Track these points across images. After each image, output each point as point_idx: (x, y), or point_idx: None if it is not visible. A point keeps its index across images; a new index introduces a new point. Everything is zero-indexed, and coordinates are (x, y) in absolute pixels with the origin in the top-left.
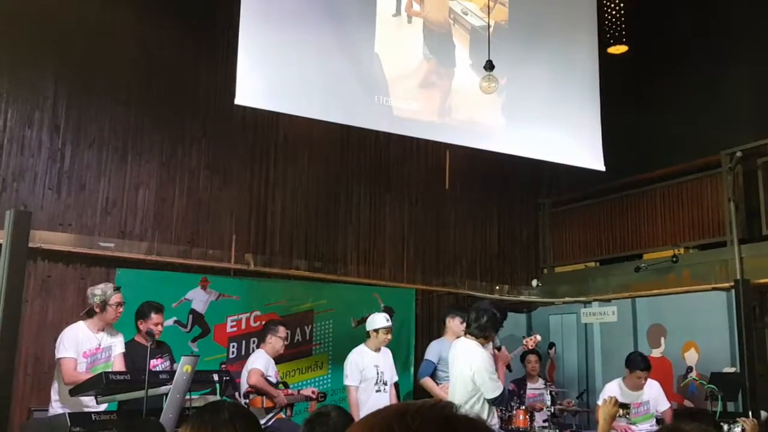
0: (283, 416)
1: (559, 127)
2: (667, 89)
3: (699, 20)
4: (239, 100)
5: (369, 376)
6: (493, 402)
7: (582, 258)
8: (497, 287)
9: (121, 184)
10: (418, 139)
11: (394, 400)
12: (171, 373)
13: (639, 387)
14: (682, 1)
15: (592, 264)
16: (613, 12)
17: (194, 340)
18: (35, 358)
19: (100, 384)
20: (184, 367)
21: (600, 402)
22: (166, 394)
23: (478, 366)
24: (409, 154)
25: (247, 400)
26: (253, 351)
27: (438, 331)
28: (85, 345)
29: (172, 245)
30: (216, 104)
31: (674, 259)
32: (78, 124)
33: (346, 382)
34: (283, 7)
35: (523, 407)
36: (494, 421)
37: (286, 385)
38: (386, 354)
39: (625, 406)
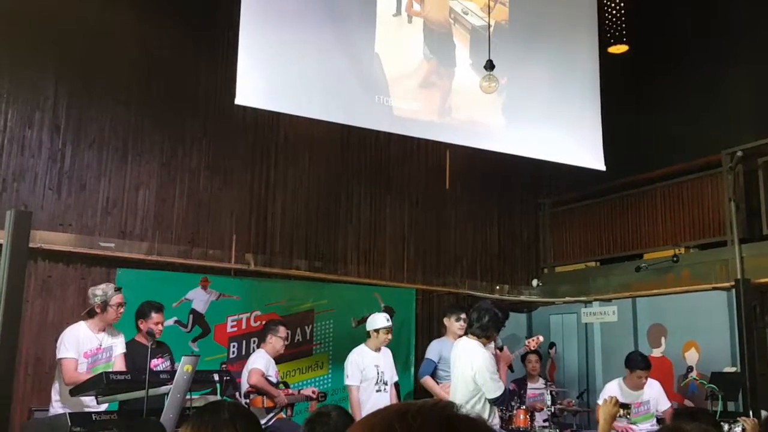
0: (284, 416)
1: (560, 127)
2: (668, 89)
3: (699, 20)
4: (239, 100)
5: (369, 375)
6: (494, 402)
7: (582, 258)
8: (497, 287)
9: (121, 185)
10: (418, 139)
11: (395, 400)
12: (171, 373)
13: (639, 386)
14: (682, 0)
15: (593, 264)
16: (614, 12)
17: (195, 340)
18: (36, 358)
19: (101, 384)
20: (184, 367)
21: (600, 401)
22: (167, 394)
23: (480, 366)
24: (410, 154)
25: (248, 400)
26: (254, 351)
27: (438, 331)
28: (85, 345)
29: (173, 245)
30: (216, 104)
31: (675, 258)
32: (78, 124)
33: (347, 381)
34: (283, 7)
35: (524, 407)
36: (495, 421)
37: (286, 385)
38: (386, 354)
39: (625, 407)
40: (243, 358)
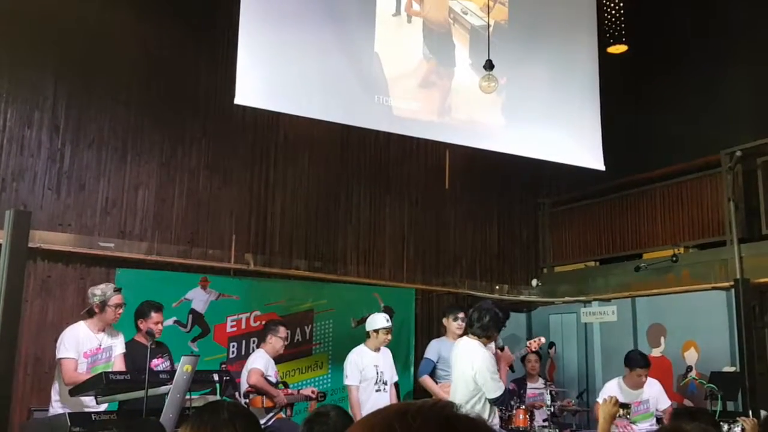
0: (283, 416)
1: (559, 127)
2: (667, 89)
3: (698, 20)
4: (239, 99)
5: (369, 375)
6: (494, 402)
7: (582, 258)
8: (497, 287)
9: (120, 184)
10: (418, 139)
11: (395, 400)
12: (171, 372)
13: (639, 385)
14: (681, 0)
15: (592, 263)
16: (613, 12)
17: (194, 339)
18: (35, 358)
19: (100, 384)
20: (184, 367)
21: (599, 400)
22: (166, 394)
23: (480, 366)
24: (409, 154)
25: (247, 400)
26: (253, 351)
27: (438, 331)
28: (85, 345)
29: (172, 245)
30: (216, 104)
31: (674, 258)
32: (78, 124)
33: (347, 381)
34: (283, 7)
35: (523, 407)
36: (495, 421)
37: (286, 385)
38: (386, 354)
39: (625, 406)
40: (242, 358)
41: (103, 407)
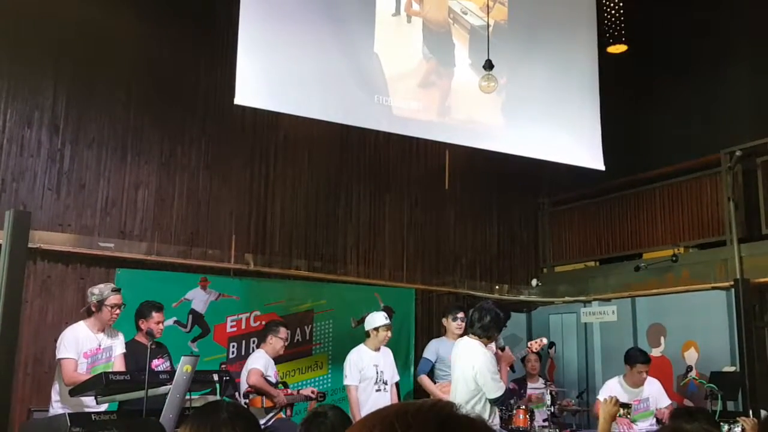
0: (283, 416)
1: (559, 127)
2: (667, 88)
3: (698, 20)
4: (239, 99)
5: (368, 375)
6: (495, 402)
7: (582, 257)
8: (497, 287)
9: (120, 184)
10: (417, 139)
11: (395, 400)
12: (171, 373)
13: (640, 383)
14: (681, 0)
15: (592, 263)
16: (613, 11)
17: (194, 340)
18: (35, 359)
19: (100, 384)
20: (184, 367)
21: (600, 398)
22: (166, 394)
23: (481, 366)
24: (409, 153)
25: (247, 400)
26: (253, 351)
27: (438, 331)
28: (85, 345)
29: (172, 245)
30: (215, 104)
31: (674, 258)
32: (77, 124)
33: (346, 381)
34: (283, 7)
35: (523, 407)
36: (496, 421)
37: (285, 385)
38: (386, 353)
39: (626, 406)
40: (242, 358)
41: (103, 407)
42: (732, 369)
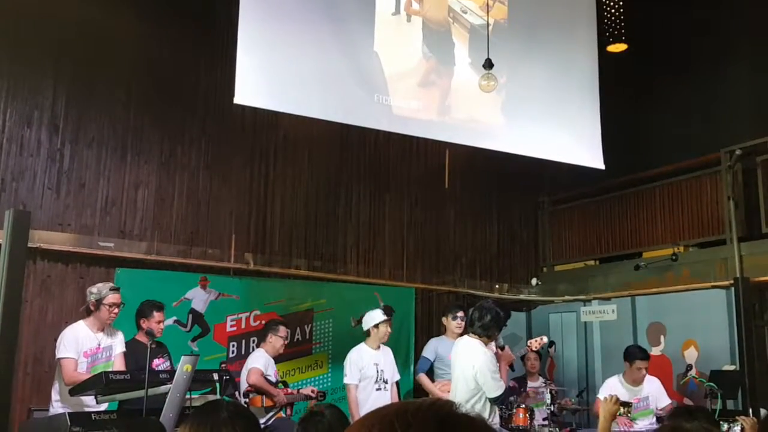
0: (283, 415)
1: (559, 126)
2: (667, 87)
3: (698, 19)
4: (238, 99)
5: (368, 374)
6: (494, 401)
7: (582, 256)
8: (497, 286)
9: (120, 184)
10: (417, 138)
11: (395, 399)
12: (171, 372)
13: (639, 381)
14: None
15: (592, 262)
16: (613, 11)
17: (194, 339)
18: (35, 358)
19: (100, 384)
20: (184, 367)
21: (600, 396)
22: (166, 394)
23: (481, 365)
24: (409, 153)
25: (247, 400)
26: (253, 350)
27: (437, 330)
28: (85, 345)
29: (172, 245)
30: (215, 104)
31: (674, 257)
32: (77, 124)
33: (346, 380)
34: (282, 7)
35: (523, 406)
36: (496, 420)
37: (285, 384)
38: (386, 352)
39: (626, 405)
40: (242, 357)
41: (103, 407)
42: (732, 368)
